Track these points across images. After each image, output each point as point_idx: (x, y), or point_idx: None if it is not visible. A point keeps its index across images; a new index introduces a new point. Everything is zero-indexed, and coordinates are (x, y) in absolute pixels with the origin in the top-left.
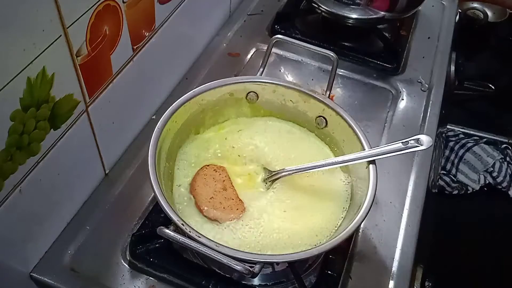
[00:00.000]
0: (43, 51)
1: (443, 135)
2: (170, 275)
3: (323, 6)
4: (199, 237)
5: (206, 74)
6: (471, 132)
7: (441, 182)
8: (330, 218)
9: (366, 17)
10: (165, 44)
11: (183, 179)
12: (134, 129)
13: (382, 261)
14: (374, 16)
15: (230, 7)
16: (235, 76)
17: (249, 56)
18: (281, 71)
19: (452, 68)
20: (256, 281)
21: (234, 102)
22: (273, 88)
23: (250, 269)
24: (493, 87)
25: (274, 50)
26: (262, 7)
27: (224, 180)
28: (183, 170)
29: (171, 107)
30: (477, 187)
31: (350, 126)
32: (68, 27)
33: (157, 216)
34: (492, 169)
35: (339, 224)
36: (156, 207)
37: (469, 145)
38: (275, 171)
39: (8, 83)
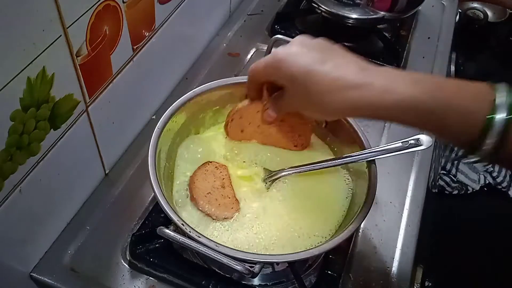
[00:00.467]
0: (43, 51)
1: None
2: (170, 275)
3: (323, 6)
4: (199, 237)
5: (206, 74)
6: None
7: (441, 182)
8: (330, 218)
9: (366, 17)
10: (165, 44)
11: (183, 179)
12: (134, 129)
13: (382, 261)
14: (374, 16)
15: (230, 7)
16: (235, 76)
17: (249, 56)
18: None
19: (452, 68)
20: (256, 281)
21: (234, 102)
22: None
23: (250, 269)
24: None
25: (274, 50)
26: (262, 7)
27: (223, 178)
28: (183, 170)
29: (171, 107)
30: (477, 187)
31: (350, 126)
32: (68, 27)
33: (157, 216)
34: (492, 169)
35: (339, 224)
36: (156, 207)
37: None
38: (275, 171)
39: (8, 83)
